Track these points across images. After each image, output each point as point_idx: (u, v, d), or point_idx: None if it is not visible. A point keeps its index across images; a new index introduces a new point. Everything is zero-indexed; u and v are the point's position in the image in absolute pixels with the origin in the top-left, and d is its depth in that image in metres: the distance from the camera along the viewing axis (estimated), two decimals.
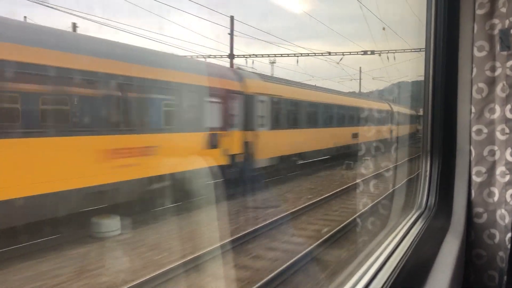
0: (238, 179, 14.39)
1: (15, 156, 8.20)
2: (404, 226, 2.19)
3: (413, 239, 1.99)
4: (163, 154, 11.15)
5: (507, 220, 2.54)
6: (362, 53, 23.63)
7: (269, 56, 25.27)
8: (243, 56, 24.41)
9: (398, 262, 1.73)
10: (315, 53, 24.64)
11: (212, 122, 13.45)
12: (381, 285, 1.52)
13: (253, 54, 24.56)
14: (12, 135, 8.23)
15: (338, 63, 26.43)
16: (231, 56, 23.02)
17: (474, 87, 2.64)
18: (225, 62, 23.00)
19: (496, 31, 2.58)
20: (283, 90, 18.79)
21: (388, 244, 1.90)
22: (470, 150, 2.67)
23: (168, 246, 8.84)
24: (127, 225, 9.61)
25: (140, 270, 7.35)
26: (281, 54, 25.11)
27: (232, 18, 22.05)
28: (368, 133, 23.06)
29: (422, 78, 2.82)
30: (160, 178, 11.25)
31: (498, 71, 2.59)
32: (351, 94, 28.35)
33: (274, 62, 31.60)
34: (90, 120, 9.68)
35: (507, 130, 2.56)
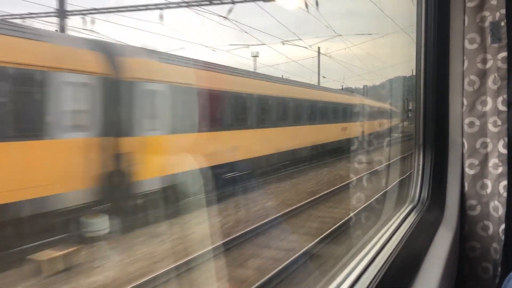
0: None
1: None
2: (396, 220, 2.20)
3: (405, 233, 2.00)
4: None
5: (500, 211, 2.55)
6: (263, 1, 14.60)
7: (118, 10, 15.55)
8: (80, 13, 15.10)
9: (389, 255, 1.73)
10: (187, 3, 14.79)
11: None
12: (370, 279, 1.52)
13: (93, 9, 15.27)
14: None
15: (225, 17, 14.76)
16: (62, 13, 14.63)
17: (466, 80, 2.64)
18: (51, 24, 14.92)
19: (486, 24, 2.57)
20: None
21: (379, 239, 1.91)
22: (462, 143, 2.67)
23: None
24: None
25: None
26: (137, 7, 15.48)
27: None
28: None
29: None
30: None
31: (490, 63, 2.59)
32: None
33: (257, 56, 28.87)
34: None
35: (499, 122, 2.57)
